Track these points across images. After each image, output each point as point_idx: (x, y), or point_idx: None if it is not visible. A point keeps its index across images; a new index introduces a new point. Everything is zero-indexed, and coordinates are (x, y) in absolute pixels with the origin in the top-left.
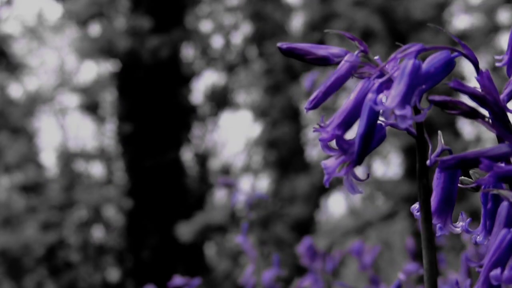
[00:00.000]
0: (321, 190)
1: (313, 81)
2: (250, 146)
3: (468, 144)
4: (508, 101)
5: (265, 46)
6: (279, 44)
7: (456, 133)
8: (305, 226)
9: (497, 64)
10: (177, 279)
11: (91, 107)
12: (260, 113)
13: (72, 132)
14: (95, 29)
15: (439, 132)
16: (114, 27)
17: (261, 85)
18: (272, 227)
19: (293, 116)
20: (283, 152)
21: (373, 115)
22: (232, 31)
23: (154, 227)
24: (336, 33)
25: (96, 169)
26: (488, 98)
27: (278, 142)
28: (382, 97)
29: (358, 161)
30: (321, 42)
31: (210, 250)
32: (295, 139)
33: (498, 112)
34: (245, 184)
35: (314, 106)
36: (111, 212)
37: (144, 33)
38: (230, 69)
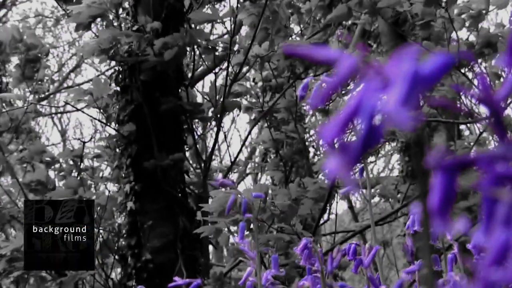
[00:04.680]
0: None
1: (306, 87)
2: (251, 147)
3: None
4: (503, 100)
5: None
6: (281, 46)
7: (459, 134)
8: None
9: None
10: (178, 280)
11: (92, 107)
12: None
13: (72, 132)
14: (97, 29)
15: (439, 133)
16: (117, 27)
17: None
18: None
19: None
20: (288, 153)
21: (372, 116)
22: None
23: (154, 227)
24: (339, 34)
25: (97, 169)
26: (486, 99)
27: (283, 142)
28: (381, 98)
29: (357, 162)
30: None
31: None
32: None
33: (495, 113)
34: (244, 185)
35: (313, 108)
36: (113, 212)
37: (148, 34)
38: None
